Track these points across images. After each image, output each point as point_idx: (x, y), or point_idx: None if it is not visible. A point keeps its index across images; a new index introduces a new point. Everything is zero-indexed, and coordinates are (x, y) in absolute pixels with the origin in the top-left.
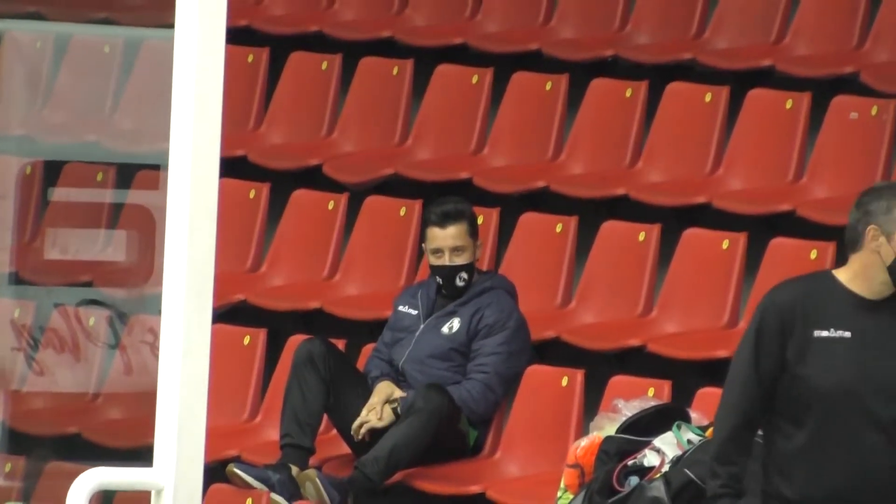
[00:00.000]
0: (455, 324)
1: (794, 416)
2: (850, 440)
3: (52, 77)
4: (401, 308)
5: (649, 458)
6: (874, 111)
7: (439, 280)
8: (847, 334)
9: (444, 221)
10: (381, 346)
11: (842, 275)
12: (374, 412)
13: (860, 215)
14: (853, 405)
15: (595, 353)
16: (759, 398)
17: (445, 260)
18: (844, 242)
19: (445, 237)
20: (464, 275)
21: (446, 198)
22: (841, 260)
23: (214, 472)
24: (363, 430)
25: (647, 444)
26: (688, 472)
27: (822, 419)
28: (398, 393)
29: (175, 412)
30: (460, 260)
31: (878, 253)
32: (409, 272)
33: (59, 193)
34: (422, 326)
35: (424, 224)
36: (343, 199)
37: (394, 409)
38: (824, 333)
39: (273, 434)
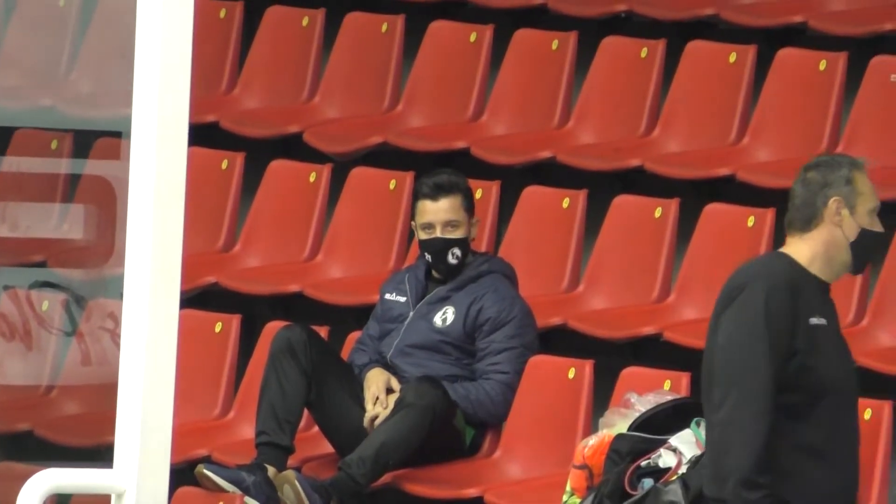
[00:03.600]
0: (449, 315)
1: (796, 411)
2: (853, 434)
3: (0, 34)
4: (387, 296)
5: (665, 459)
6: None
7: (428, 257)
8: (824, 321)
9: (436, 193)
10: (367, 339)
11: (800, 257)
12: (380, 402)
13: (816, 188)
14: (850, 399)
15: (605, 341)
16: (773, 394)
17: (437, 233)
18: (789, 221)
19: (437, 210)
20: (457, 251)
21: (439, 170)
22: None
23: (182, 474)
24: (377, 424)
25: (662, 442)
26: None
27: (832, 412)
28: (395, 382)
29: (138, 407)
30: (453, 235)
31: (840, 227)
32: (400, 252)
33: (9, 163)
34: (411, 314)
35: (415, 198)
36: (326, 170)
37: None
38: (814, 321)
39: (247, 431)
